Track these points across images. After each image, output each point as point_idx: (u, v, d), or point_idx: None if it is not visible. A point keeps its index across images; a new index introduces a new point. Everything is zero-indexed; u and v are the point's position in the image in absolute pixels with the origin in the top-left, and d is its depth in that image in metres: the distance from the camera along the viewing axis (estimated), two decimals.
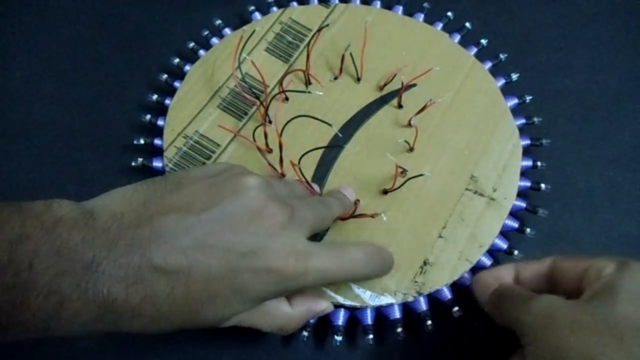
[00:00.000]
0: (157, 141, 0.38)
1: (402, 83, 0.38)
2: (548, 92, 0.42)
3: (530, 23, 0.46)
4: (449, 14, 0.43)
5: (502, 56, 0.41)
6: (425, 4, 0.43)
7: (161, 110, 0.39)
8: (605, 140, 0.41)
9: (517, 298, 0.27)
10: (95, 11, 0.46)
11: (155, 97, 0.39)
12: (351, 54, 0.39)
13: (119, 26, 0.45)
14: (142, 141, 0.38)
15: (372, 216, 0.33)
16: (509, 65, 0.41)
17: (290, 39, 0.41)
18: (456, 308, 0.33)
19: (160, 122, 0.38)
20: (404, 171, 0.36)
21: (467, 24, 0.42)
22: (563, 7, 0.46)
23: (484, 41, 0.42)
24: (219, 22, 0.42)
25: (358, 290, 0.33)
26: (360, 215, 0.33)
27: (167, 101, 0.39)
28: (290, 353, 0.35)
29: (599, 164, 0.40)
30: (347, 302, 0.33)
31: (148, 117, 0.38)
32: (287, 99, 0.39)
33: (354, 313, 0.33)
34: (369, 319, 0.33)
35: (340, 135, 0.37)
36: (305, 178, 0.34)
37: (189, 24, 0.44)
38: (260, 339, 0.35)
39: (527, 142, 0.39)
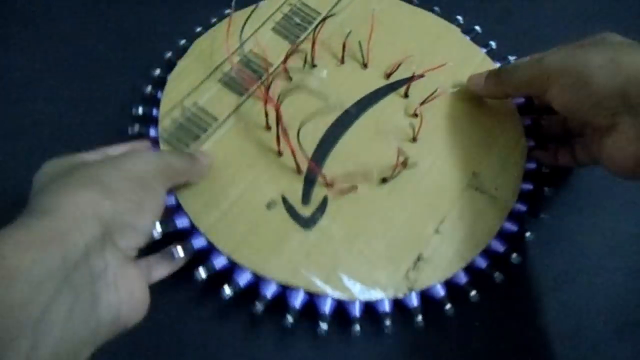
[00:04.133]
0: (156, 112, 0.36)
1: (414, 73, 0.37)
2: None
3: (529, 23, 0.45)
4: (459, 17, 0.42)
5: (510, 58, 0.40)
6: (436, 8, 0.43)
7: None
8: None
9: (529, 61, 0.32)
10: (96, 11, 0.44)
11: (149, 88, 0.38)
12: (360, 42, 0.39)
13: (119, 26, 0.44)
14: (140, 111, 0.36)
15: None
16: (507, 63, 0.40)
17: (298, 20, 0.40)
18: (449, 305, 0.32)
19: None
20: (405, 160, 0.35)
21: (477, 27, 0.41)
22: (563, 8, 0.46)
23: (492, 43, 0.41)
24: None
25: (348, 282, 0.31)
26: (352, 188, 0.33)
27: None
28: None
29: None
30: (336, 295, 0.31)
31: (149, 88, 0.37)
32: (290, 78, 0.38)
33: (341, 303, 0.32)
34: (356, 310, 0.31)
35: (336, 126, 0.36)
36: (304, 151, 0.33)
37: (190, 23, 0.42)
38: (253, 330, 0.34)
39: (532, 144, 0.38)
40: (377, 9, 0.40)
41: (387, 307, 0.31)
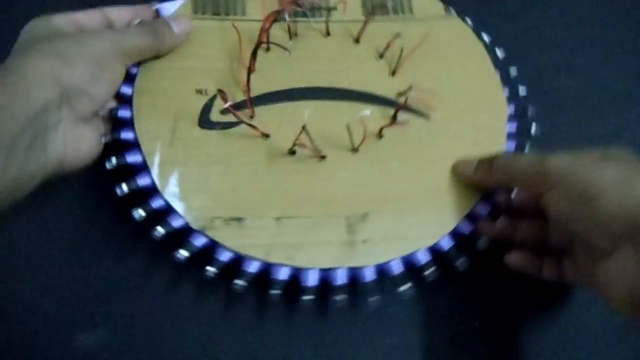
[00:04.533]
0: None
1: (406, 100, 0.35)
2: (548, 92, 0.42)
3: (529, 23, 0.45)
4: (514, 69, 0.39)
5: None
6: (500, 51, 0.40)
7: None
8: (606, 140, 0.39)
9: (530, 157, 0.31)
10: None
11: None
12: (402, 49, 0.37)
13: None
14: None
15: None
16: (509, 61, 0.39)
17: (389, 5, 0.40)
18: (239, 281, 0.31)
19: None
20: (320, 153, 0.33)
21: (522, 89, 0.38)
22: (563, 7, 0.46)
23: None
24: None
25: (172, 181, 0.32)
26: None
27: None
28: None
29: None
30: (157, 181, 0.32)
31: None
32: (329, 33, 0.38)
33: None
34: (161, 203, 0.32)
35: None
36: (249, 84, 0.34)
37: None
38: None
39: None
40: (447, 36, 0.39)
41: (178, 224, 0.32)
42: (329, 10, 0.38)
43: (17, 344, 0.33)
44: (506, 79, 0.38)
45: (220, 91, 0.33)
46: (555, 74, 0.43)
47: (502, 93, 0.38)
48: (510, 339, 0.34)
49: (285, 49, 0.36)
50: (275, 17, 0.36)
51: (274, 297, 0.30)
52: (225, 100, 0.33)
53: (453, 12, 0.40)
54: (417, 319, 0.34)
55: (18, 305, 0.34)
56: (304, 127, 0.32)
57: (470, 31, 0.40)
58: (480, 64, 0.39)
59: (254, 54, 0.35)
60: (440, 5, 0.40)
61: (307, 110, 0.35)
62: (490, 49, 0.39)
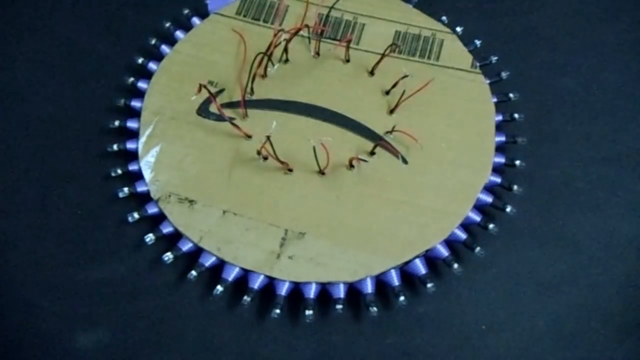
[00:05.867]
0: None
1: (378, 141, 0.36)
2: (547, 93, 0.42)
3: (529, 23, 0.45)
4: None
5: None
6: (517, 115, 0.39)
7: None
8: (605, 140, 0.41)
9: None
10: (94, 10, 0.46)
11: None
12: (405, 91, 0.37)
13: (121, 27, 0.45)
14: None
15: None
16: (507, 63, 0.40)
17: (415, 44, 0.41)
18: (169, 255, 0.34)
19: None
20: (286, 166, 0.35)
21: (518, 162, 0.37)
22: (562, 7, 0.46)
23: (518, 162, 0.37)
24: None
25: (156, 177, 0.36)
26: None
27: None
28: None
29: (599, 164, 0.40)
30: (143, 166, 0.36)
31: None
32: (348, 60, 0.40)
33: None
34: (138, 168, 0.36)
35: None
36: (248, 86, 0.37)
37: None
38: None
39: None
40: (461, 88, 0.39)
41: (141, 189, 0.36)
42: (348, 42, 0.40)
43: (17, 344, 0.34)
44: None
45: (204, 86, 0.35)
46: (555, 74, 0.43)
47: (492, 160, 0.36)
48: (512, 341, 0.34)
49: (266, 67, 0.39)
50: (291, 35, 0.38)
51: (190, 277, 0.33)
52: (212, 97, 0.36)
53: (478, 67, 0.39)
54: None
55: (18, 305, 0.35)
56: (268, 137, 0.34)
57: (487, 89, 0.39)
58: (482, 126, 0.38)
59: (260, 62, 0.38)
60: (469, 58, 0.40)
61: (275, 121, 0.37)
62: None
